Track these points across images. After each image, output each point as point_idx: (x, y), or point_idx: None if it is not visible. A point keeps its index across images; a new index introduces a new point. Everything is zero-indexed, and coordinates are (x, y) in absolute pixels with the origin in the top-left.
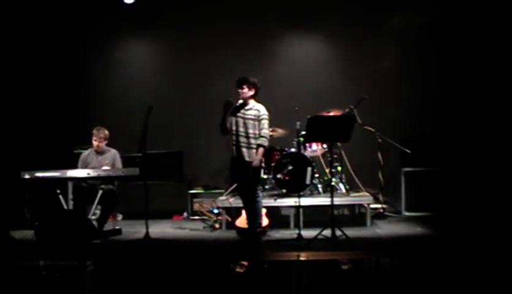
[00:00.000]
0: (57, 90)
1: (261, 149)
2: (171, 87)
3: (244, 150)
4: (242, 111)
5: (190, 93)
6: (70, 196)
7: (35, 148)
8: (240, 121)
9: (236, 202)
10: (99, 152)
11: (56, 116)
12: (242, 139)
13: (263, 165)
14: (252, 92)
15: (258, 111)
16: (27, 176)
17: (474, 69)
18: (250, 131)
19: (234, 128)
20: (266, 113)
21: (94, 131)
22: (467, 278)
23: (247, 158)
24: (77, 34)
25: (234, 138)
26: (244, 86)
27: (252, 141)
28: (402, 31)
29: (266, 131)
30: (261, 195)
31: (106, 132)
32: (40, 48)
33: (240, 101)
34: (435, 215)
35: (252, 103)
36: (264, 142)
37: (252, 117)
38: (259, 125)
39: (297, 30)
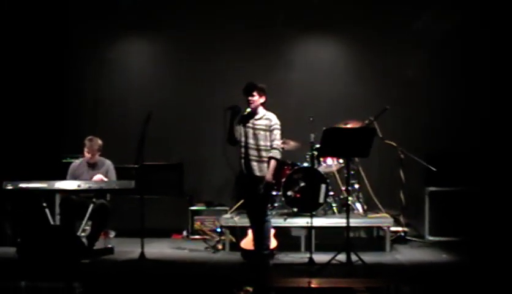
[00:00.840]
0: (45, 93)
1: (273, 162)
2: (172, 92)
3: (254, 163)
4: (251, 120)
5: (193, 99)
6: (58, 210)
7: (18, 156)
8: (250, 132)
9: (241, 221)
10: (91, 164)
11: (43, 120)
12: (252, 152)
13: (273, 180)
14: (262, 99)
15: (270, 120)
16: (9, 187)
17: (506, 78)
18: (261, 143)
19: (243, 139)
20: (278, 122)
21: (87, 142)
22: None
23: (257, 173)
24: (67, 31)
25: (242, 150)
26: (255, 93)
27: (263, 153)
28: (427, 37)
29: (278, 142)
30: (270, 214)
31: (100, 142)
32: (27, 45)
33: (248, 110)
34: (462, 240)
35: (262, 111)
36: (277, 154)
37: (263, 127)
38: (270, 136)
39: (312, 33)
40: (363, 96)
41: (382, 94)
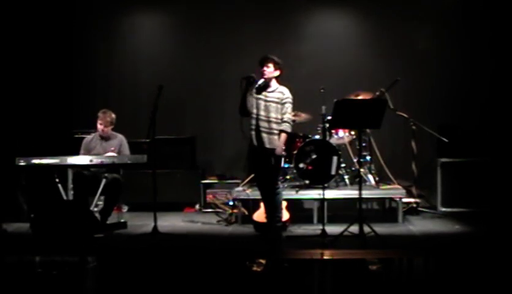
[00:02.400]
0: (56, 68)
1: (284, 136)
2: (184, 65)
3: (265, 135)
4: (264, 92)
5: (205, 72)
6: (70, 185)
7: (31, 132)
8: (262, 104)
9: (253, 194)
10: (104, 138)
11: (55, 96)
12: (263, 124)
13: (284, 153)
14: (277, 73)
15: (282, 93)
16: (22, 163)
17: None
18: (272, 115)
19: (254, 111)
20: (290, 96)
21: (100, 114)
22: (508, 282)
23: (267, 145)
24: (78, 5)
25: (253, 122)
26: (270, 64)
27: (274, 126)
28: (444, 6)
29: (289, 116)
30: (281, 186)
31: (113, 116)
32: (37, 21)
33: (261, 80)
34: (475, 211)
35: (275, 84)
36: (288, 128)
37: (275, 100)
38: (282, 109)
39: (323, 3)
40: (374, 67)
41: (394, 65)
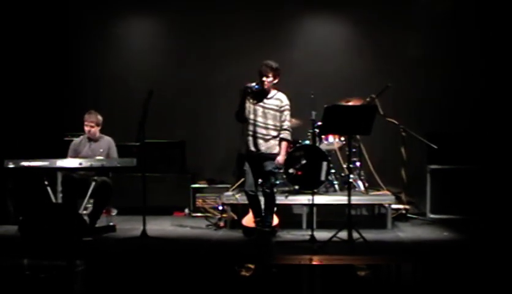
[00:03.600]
0: (46, 70)
1: (285, 144)
2: (175, 70)
3: (261, 142)
4: (262, 99)
5: (196, 77)
6: (59, 188)
7: (20, 134)
8: (259, 110)
9: (242, 198)
10: (92, 140)
11: (45, 98)
12: (260, 130)
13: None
14: (276, 81)
15: (281, 101)
16: (11, 165)
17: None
18: (270, 122)
19: (251, 117)
20: (288, 103)
21: (85, 116)
22: (496, 289)
23: (264, 150)
24: (70, 8)
25: (251, 128)
26: (269, 74)
27: (272, 132)
28: (433, 13)
29: (288, 123)
30: (275, 190)
31: (99, 117)
32: (28, 22)
33: (254, 84)
34: (464, 218)
35: (273, 91)
36: (288, 135)
37: (274, 107)
38: (281, 116)
39: (314, 10)
40: (365, 74)
41: (384, 71)
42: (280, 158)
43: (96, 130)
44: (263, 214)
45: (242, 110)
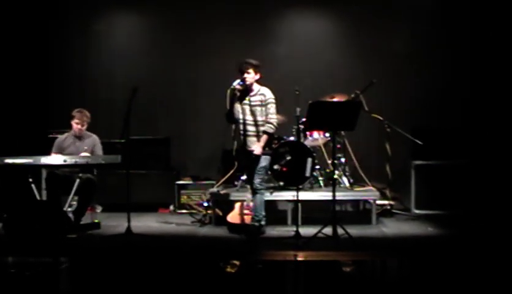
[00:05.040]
0: (30, 67)
1: (264, 137)
2: (159, 66)
3: (253, 139)
4: (247, 97)
5: (180, 73)
6: (44, 185)
7: (4, 131)
8: (247, 109)
9: (227, 195)
10: (78, 137)
11: (29, 95)
12: (250, 128)
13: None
14: (257, 76)
15: (264, 95)
16: None
17: (498, 52)
18: (259, 118)
19: (241, 116)
20: (273, 96)
21: (76, 114)
22: (481, 284)
23: (252, 147)
24: (54, 4)
25: (241, 127)
26: (250, 70)
27: (261, 128)
28: (417, 8)
29: (273, 116)
30: (263, 187)
31: (89, 115)
32: (12, 18)
33: (238, 81)
34: (448, 213)
35: (257, 87)
36: (270, 128)
37: (258, 103)
38: (265, 110)
39: (297, 4)
40: (349, 70)
41: (368, 67)
42: (257, 149)
43: (84, 128)
44: (253, 210)
45: (232, 111)
